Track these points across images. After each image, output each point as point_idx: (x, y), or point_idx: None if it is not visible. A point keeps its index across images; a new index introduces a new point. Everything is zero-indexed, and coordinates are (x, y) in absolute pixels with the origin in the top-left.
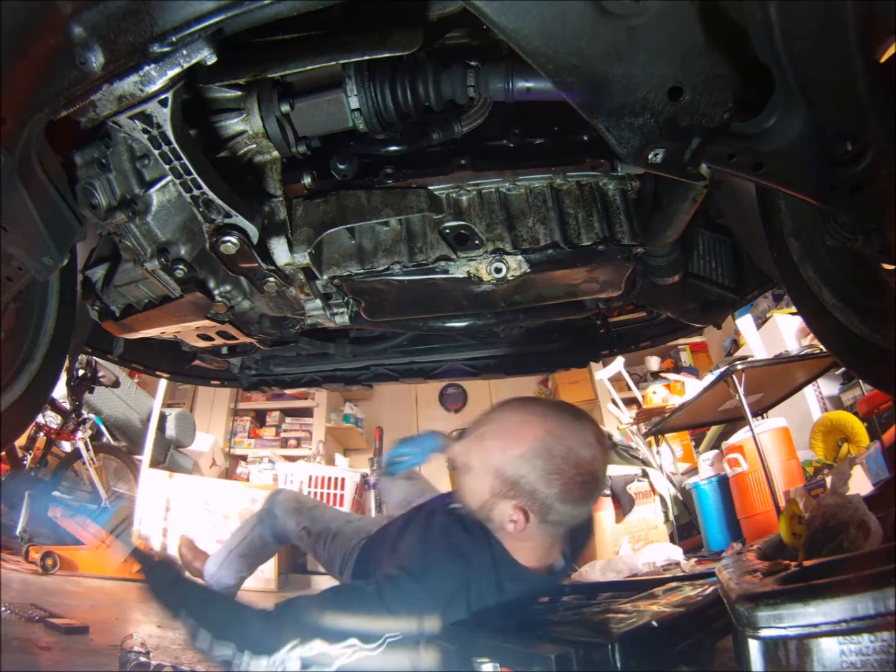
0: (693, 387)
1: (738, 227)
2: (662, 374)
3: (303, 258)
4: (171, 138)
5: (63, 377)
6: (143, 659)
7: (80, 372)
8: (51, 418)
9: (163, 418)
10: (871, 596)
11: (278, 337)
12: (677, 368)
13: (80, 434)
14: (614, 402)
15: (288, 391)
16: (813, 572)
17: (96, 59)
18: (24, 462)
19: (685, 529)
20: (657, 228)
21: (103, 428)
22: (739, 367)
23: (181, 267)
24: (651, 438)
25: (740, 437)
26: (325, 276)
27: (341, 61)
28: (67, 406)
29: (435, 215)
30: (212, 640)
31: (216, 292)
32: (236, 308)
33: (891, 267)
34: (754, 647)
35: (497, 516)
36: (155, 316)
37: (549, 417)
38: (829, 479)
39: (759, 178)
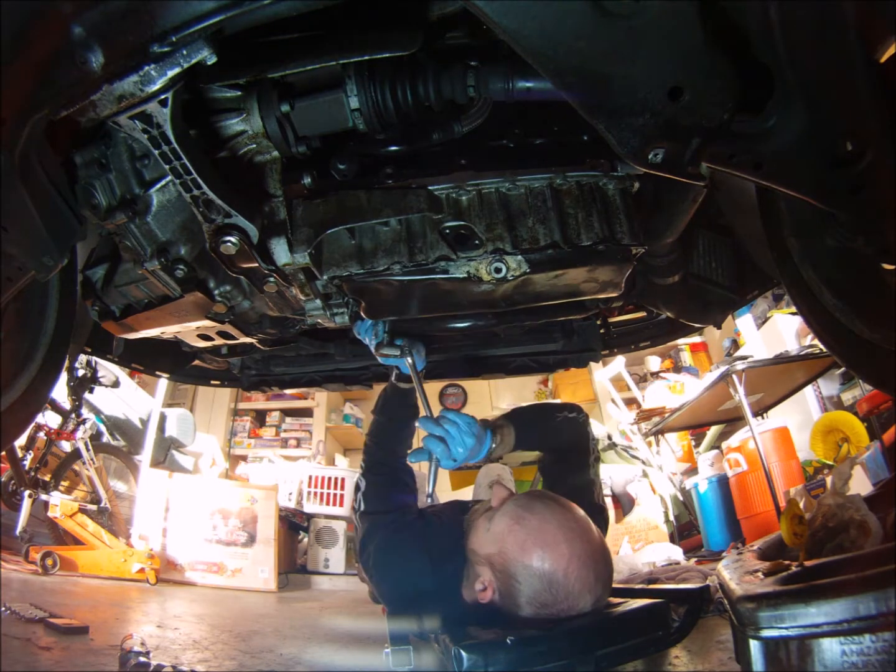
0: (693, 387)
1: (738, 227)
2: (662, 375)
3: (303, 258)
4: (171, 138)
5: (63, 377)
6: (143, 659)
7: (80, 372)
8: (51, 418)
9: (163, 418)
10: (873, 596)
11: (278, 337)
12: (677, 368)
13: (80, 434)
14: (614, 402)
15: (288, 391)
16: (814, 572)
17: (96, 59)
18: (24, 462)
19: (685, 529)
20: (657, 228)
21: (103, 428)
22: (739, 367)
23: (181, 267)
24: (651, 438)
25: (740, 437)
26: (325, 277)
27: (341, 61)
28: (67, 406)
29: (435, 215)
30: None
31: (216, 292)
32: (236, 308)
33: (891, 267)
34: (755, 647)
35: (476, 570)
36: (155, 316)
37: (574, 554)
38: (829, 479)
39: (759, 178)
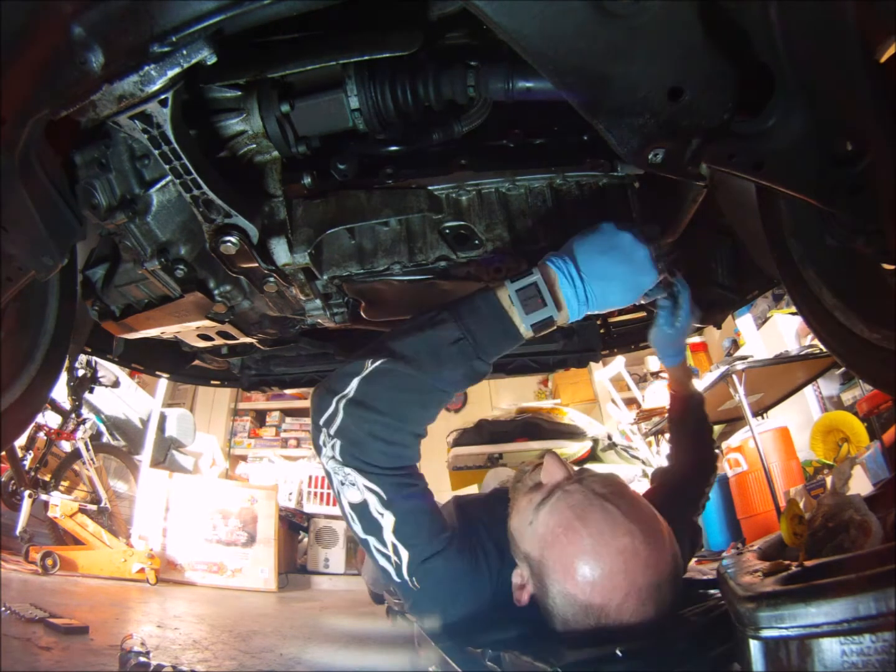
0: None
1: (738, 227)
2: (662, 375)
3: (303, 258)
4: (171, 138)
5: (63, 377)
6: (143, 659)
7: (80, 372)
8: (51, 418)
9: (163, 418)
10: (873, 596)
11: (278, 337)
12: None
13: (80, 434)
14: (614, 402)
15: (288, 391)
16: (814, 572)
17: (96, 59)
18: (24, 462)
19: None
20: None
21: (103, 428)
22: (739, 367)
23: (181, 267)
24: (651, 438)
25: (740, 437)
26: (325, 277)
27: (341, 61)
28: (67, 406)
29: (435, 215)
30: None
31: (216, 292)
32: (236, 308)
33: (891, 267)
34: (755, 647)
35: (516, 559)
36: (155, 316)
37: (635, 588)
38: (829, 479)
39: (759, 178)
